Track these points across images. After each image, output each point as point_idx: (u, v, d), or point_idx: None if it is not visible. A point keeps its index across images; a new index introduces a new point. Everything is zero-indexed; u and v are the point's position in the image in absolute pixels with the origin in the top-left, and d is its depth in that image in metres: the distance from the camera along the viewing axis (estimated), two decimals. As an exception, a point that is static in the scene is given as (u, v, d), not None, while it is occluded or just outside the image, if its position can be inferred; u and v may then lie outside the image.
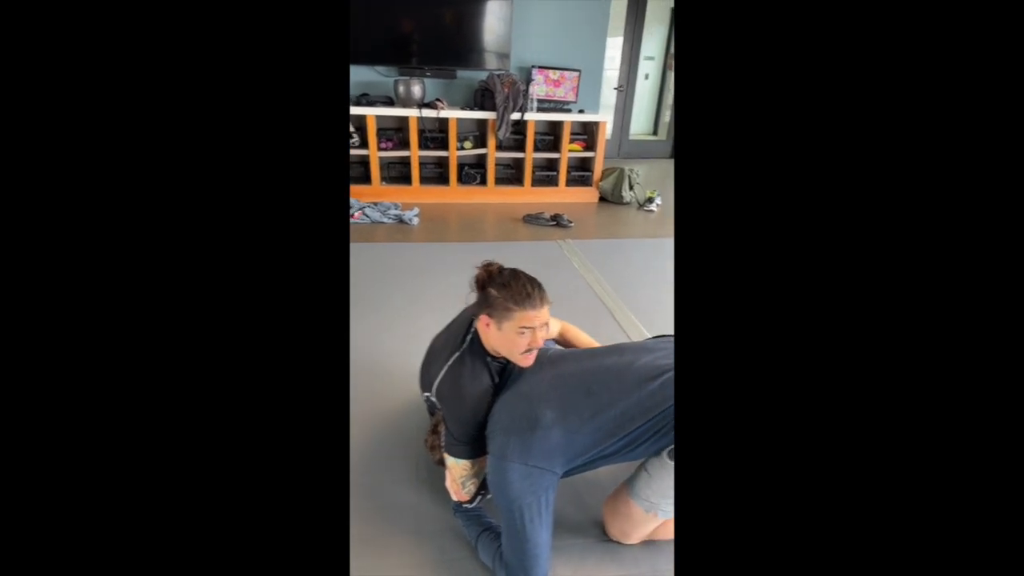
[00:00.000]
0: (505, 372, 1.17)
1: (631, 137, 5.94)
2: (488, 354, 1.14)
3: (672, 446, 1.06)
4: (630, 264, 2.86)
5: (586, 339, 1.38)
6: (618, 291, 2.50)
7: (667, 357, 1.10)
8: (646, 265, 2.86)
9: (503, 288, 1.06)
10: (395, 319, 2.13)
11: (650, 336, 1.35)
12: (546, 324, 1.10)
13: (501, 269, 1.12)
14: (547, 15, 3.95)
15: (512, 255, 2.93)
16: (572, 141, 4.06)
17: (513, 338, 1.07)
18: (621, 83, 5.62)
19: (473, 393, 1.10)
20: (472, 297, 1.14)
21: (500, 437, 1.05)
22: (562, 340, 1.40)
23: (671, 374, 1.05)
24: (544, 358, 1.16)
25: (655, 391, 1.04)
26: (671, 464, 1.06)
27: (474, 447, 1.12)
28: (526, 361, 1.11)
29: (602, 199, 4.17)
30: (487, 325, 1.10)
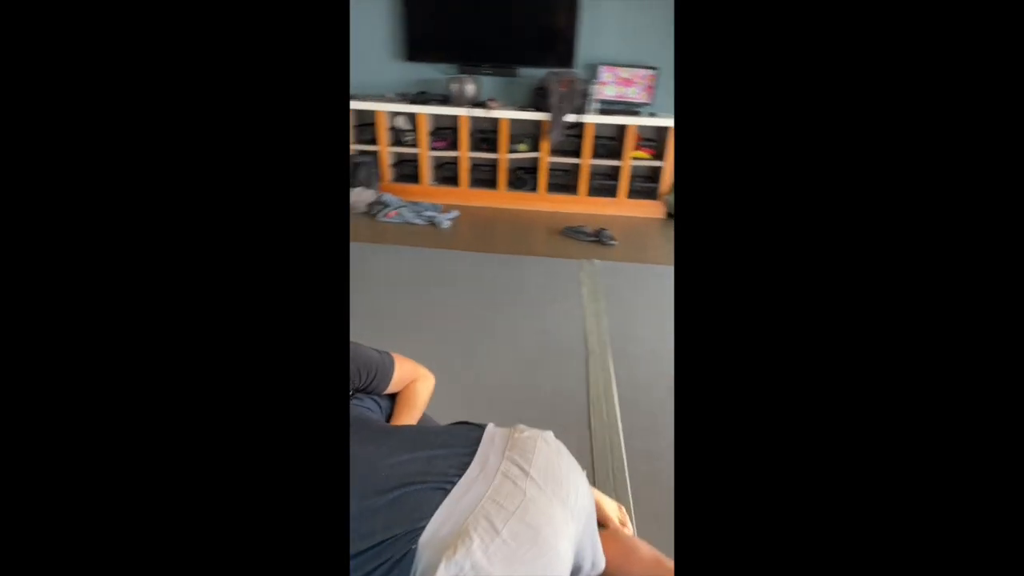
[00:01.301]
0: None
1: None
2: None
3: None
4: (654, 298, 2.41)
5: (410, 408, 1.08)
6: (617, 331, 2.10)
7: (427, 462, 0.78)
8: (670, 301, 2.39)
9: None
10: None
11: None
12: None
13: None
14: (623, 6, 3.53)
15: (522, 272, 2.64)
16: (640, 147, 3.59)
17: None
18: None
19: None
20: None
21: None
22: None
23: (413, 489, 0.75)
24: None
25: (379, 509, 0.74)
26: None
27: None
28: None
29: (670, 215, 3.65)
30: None
